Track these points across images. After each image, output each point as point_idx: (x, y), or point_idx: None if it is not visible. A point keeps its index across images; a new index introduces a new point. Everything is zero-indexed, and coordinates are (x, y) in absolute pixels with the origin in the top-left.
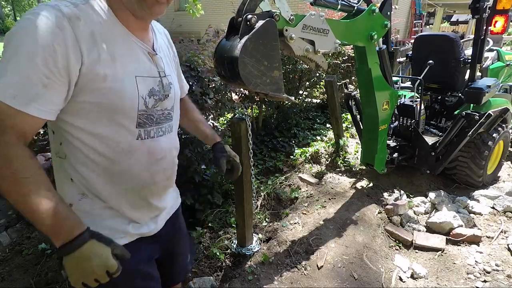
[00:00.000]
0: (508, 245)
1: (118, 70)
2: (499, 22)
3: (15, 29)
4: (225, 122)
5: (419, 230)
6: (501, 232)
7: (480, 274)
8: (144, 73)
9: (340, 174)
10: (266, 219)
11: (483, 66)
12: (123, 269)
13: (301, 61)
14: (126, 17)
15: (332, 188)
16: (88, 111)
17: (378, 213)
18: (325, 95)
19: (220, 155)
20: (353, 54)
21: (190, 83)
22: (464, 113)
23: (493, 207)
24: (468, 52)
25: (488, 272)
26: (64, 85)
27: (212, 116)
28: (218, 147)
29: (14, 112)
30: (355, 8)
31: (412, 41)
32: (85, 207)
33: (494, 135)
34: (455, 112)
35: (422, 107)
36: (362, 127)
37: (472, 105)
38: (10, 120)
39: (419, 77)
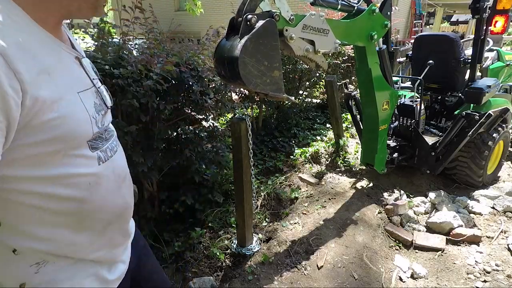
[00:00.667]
0: (508, 245)
1: (59, 89)
2: (499, 22)
3: None
4: (225, 122)
5: (419, 230)
6: (501, 232)
7: (480, 274)
8: (82, 86)
9: (340, 174)
10: (266, 219)
11: (483, 66)
12: None
13: (301, 61)
14: (43, 14)
15: (332, 188)
16: (35, 154)
17: (378, 213)
18: (325, 95)
19: None
20: (353, 54)
21: (190, 83)
22: (464, 113)
23: (493, 207)
24: (468, 52)
25: (488, 272)
26: (2, 132)
27: (212, 116)
28: None
29: None
30: (355, 8)
31: (412, 41)
32: (45, 278)
33: (494, 135)
34: (455, 112)
35: (422, 107)
36: (362, 127)
37: (472, 105)
38: None
39: (419, 77)
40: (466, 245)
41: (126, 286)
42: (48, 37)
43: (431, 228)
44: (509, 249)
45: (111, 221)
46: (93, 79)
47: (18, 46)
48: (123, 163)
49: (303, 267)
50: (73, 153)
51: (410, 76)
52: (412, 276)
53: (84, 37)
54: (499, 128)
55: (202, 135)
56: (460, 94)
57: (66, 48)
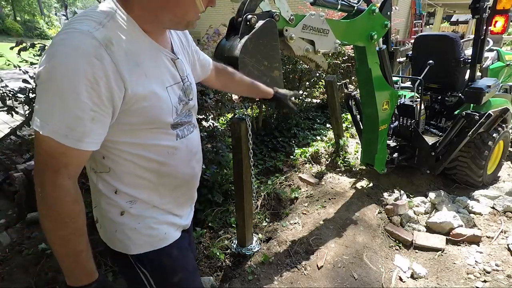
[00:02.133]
0: (508, 245)
1: (153, 85)
2: (499, 22)
3: (52, 65)
4: (225, 122)
5: (419, 230)
6: (501, 232)
7: (480, 274)
8: (171, 82)
9: (340, 174)
10: (266, 219)
11: (483, 66)
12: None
13: (301, 61)
14: (152, 27)
15: (332, 188)
16: (130, 129)
17: (378, 213)
18: (325, 95)
19: (285, 102)
20: (353, 54)
21: None
22: (464, 113)
23: (493, 207)
24: (468, 52)
25: (488, 272)
26: (108, 115)
27: (212, 116)
28: (277, 96)
29: (66, 149)
30: (355, 8)
31: (412, 41)
32: (137, 212)
33: (494, 135)
34: (455, 112)
35: (422, 107)
36: (362, 127)
37: (472, 105)
38: (63, 158)
39: (419, 77)
40: (466, 245)
41: (187, 242)
42: (151, 43)
43: (431, 228)
44: (509, 249)
45: (180, 184)
46: (183, 76)
47: (127, 54)
48: (197, 142)
49: (303, 267)
50: (159, 130)
51: (410, 76)
52: (412, 276)
53: None
54: (499, 128)
55: (202, 135)
56: (460, 94)
57: (164, 52)
